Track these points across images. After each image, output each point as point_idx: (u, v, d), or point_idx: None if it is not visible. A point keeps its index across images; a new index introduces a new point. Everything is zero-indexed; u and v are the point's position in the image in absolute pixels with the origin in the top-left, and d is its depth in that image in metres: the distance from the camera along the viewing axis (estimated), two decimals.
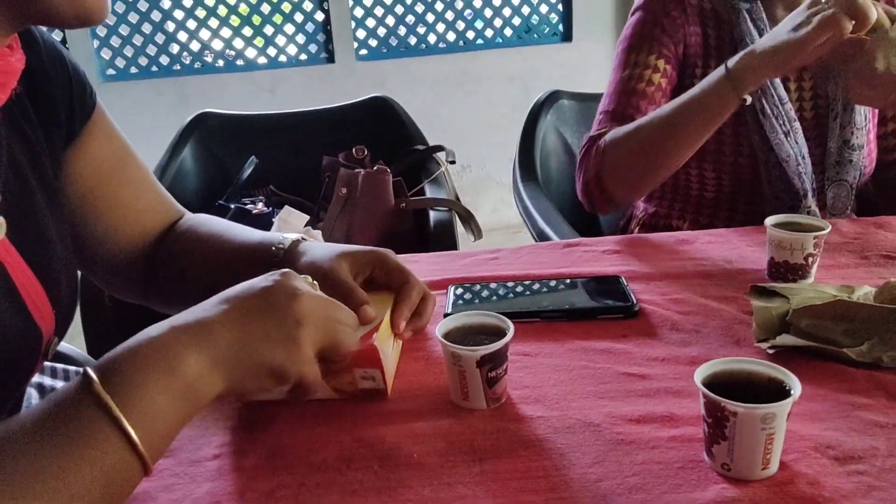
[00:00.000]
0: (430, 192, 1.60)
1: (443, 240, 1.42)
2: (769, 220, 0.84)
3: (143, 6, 3.10)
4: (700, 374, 0.53)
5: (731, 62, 0.96)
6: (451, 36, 3.46)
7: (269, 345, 0.52)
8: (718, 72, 0.98)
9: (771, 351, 0.67)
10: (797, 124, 1.08)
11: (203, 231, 0.81)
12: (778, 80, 1.10)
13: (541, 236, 1.27)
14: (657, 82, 1.12)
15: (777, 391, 0.52)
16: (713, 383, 0.53)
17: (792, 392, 0.51)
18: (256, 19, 3.25)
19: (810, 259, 0.82)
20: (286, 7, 3.24)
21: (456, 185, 3.56)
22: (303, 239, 0.76)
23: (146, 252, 0.80)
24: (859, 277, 0.84)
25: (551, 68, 3.47)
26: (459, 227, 1.64)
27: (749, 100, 0.97)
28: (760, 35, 1.09)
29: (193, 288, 0.75)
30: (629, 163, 1.06)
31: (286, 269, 0.58)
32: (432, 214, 1.49)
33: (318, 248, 0.74)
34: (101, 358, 0.49)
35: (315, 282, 0.62)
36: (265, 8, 3.23)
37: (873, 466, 0.52)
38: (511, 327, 0.63)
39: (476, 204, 3.58)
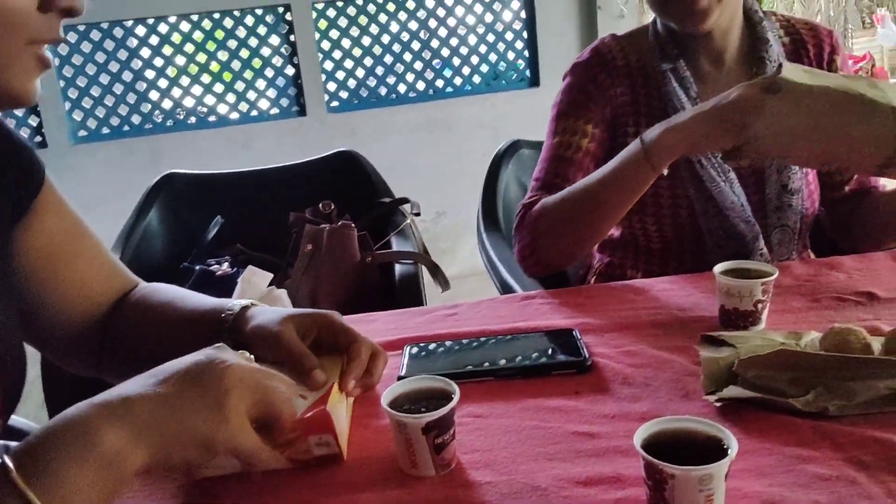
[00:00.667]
0: (396, 244, 1.60)
1: (408, 293, 1.42)
2: (717, 268, 0.85)
3: (114, 67, 3.13)
4: (640, 435, 0.53)
5: (647, 137, 0.97)
6: (420, 85, 3.51)
7: (194, 415, 0.52)
8: (635, 145, 0.98)
9: (718, 404, 0.67)
10: (732, 174, 1.10)
11: (154, 300, 0.81)
12: None
13: (504, 286, 1.28)
14: (585, 147, 1.13)
15: (715, 450, 0.52)
16: (654, 444, 0.53)
17: (729, 451, 0.51)
18: (227, 76, 3.29)
19: (759, 305, 0.82)
20: (256, 63, 3.28)
21: (431, 231, 3.62)
22: (252, 304, 0.76)
23: (98, 325, 0.80)
24: (810, 321, 0.85)
25: (520, 113, 3.52)
26: (428, 278, 1.64)
27: (666, 172, 0.98)
28: (687, 93, 1.11)
29: (145, 359, 0.74)
30: (559, 231, 1.07)
31: (220, 344, 0.59)
32: (398, 268, 1.49)
33: (266, 312, 0.74)
34: (21, 442, 0.49)
35: (252, 356, 0.62)
36: (235, 64, 3.27)
37: None
38: (457, 392, 0.63)
39: (452, 250, 3.60)
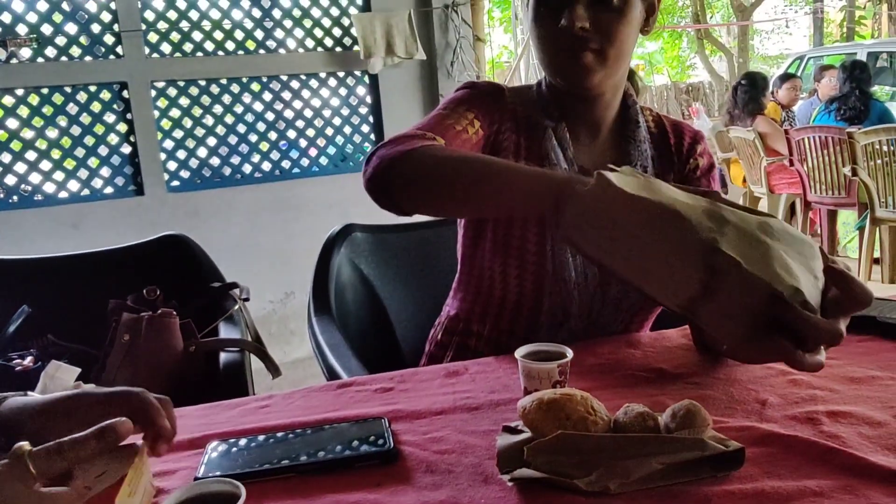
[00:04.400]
0: (223, 331, 1.55)
1: (233, 383, 1.37)
2: (518, 352, 0.88)
3: None
4: None
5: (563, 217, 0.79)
6: (266, 166, 3.49)
7: None
8: (560, 178, 0.84)
9: (510, 483, 0.69)
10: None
11: None
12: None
13: (330, 372, 1.26)
14: (470, 134, 1.13)
15: None
16: None
17: None
18: (56, 153, 3.11)
19: (558, 386, 0.86)
20: (90, 140, 3.14)
21: (280, 312, 3.54)
22: (5, 398, 0.71)
23: None
24: (605, 398, 0.90)
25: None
26: (259, 365, 1.59)
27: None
28: (564, 154, 1.16)
29: None
30: (424, 180, 0.98)
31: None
32: (222, 356, 1.44)
33: (14, 406, 0.70)
34: None
35: (27, 447, 0.58)
36: (66, 142, 3.11)
37: None
38: (243, 494, 0.61)
39: (302, 330, 3.52)
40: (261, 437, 0.83)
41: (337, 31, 3.52)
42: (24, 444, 0.61)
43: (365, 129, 3.65)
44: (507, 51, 14.35)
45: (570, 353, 0.87)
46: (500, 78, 8.57)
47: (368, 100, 3.63)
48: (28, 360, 1.40)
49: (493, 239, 1.16)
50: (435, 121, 1.13)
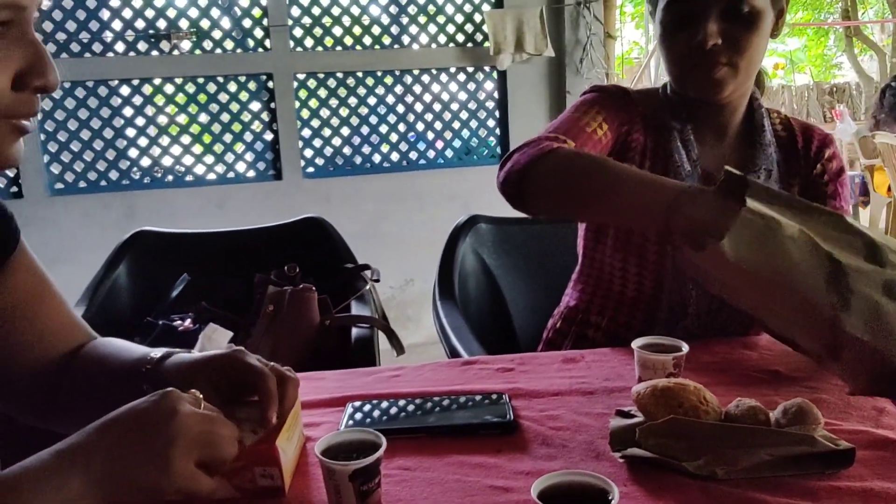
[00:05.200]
0: (355, 309, 1.67)
1: (362, 356, 1.49)
2: (635, 343, 0.93)
3: (95, 123, 3.22)
4: (537, 486, 0.60)
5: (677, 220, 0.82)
6: (394, 156, 3.64)
7: (141, 466, 0.58)
8: (675, 190, 0.85)
9: (621, 460, 0.75)
10: None
11: (96, 354, 0.85)
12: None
13: (452, 352, 1.35)
14: (600, 135, 1.15)
15: (601, 500, 0.59)
16: (549, 493, 0.60)
17: (612, 501, 0.58)
18: (207, 137, 3.39)
19: (671, 377, 0.90)
20: (236, 127, 3.40)
21: (399, 298, 3.69)
22: (171, 353, 0.79)
23: (51, 377, 0.84)
24: (718, 394, 0.93)
25: (490, 187, 3.63)
26: (386, 343, 1.71)
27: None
28: (689, 155, 1.17)
29: (92, 410, 0.79)
30: (554, 188, 1.02)
31: (169, 389, 0.64)
32: (354, 331, 1.56)
33: (178, 363, 0.78)
34: None
35: (200, 395, 0.67)
36: (216, 127, 3.38)
37: None
38: (384, 443, 0.70)
39: (418, 317, 3.66)
40: (394, 401, 0.93)
41: (469, 27, 3.61)
42: (196, 392, 0.70)
43: (491, 123, 3.73)
44: (637, 46, 14.03)
45: (685, 348, 0.91)
46: (629, 74, 8.41)
47: (496, 95, 3.71)
48: (188, 322, 1.58)
49: (615, 235, 1.21)
50: (567, 123, 1.15)
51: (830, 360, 0.72)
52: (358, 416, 0.89)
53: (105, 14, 3.19)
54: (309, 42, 3.43)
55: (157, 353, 0.80)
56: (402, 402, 0.92)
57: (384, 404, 0.92)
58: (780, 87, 12.37)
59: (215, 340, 1.41)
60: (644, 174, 0.94)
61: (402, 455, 0.80)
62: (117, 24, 3.19)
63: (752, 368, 1.01)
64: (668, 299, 1.18)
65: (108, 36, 3.19)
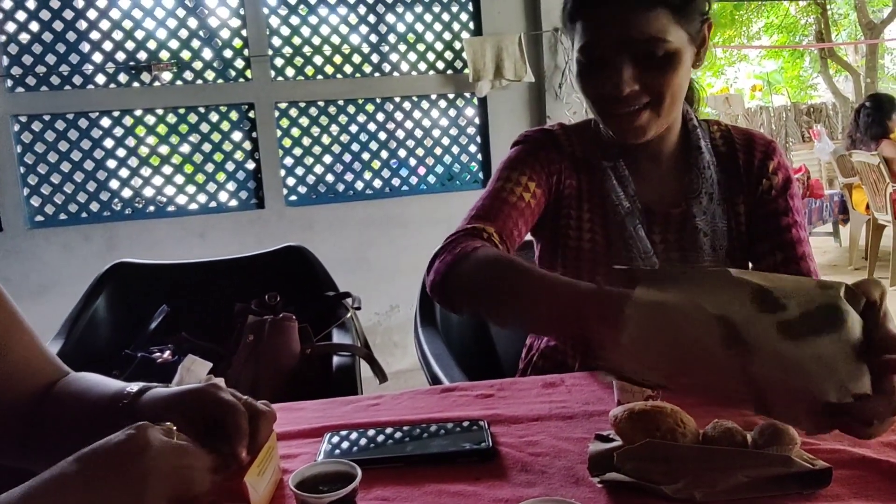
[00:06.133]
0: (336, 337, 1.66)
1: (344, 384, 1.48)
2: None
3: (76, 155, 3.21)
4: None
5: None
6: (377, 183, 3.65)
7: (114, 501, 0.57)
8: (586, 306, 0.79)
9: (600, 485, 0.74)
10: None
11: (70, 390, 0.84)
12: (643, 233, 1.16)
13: (434, 379, 1.34)
14: (527, 200, 1.14)
15: None
16: None
17: None
18: (189, 168, 3.39)
19: (650, 401, 0.90)
20: (218, 157, 3.39)
21: (385, 324, 3.68)
22: (147, 388, 0.78)
23: (23, 415, 0.82)
24: (695, 416, 0.93)
25: None
26: (367, 373, 1.70)
27: None
28: (626, 191, 1.16)
29: (65, 446, 0.78)
30: (470, 295, 1.00)
31: (142, 423, 0.63)
32: (335, 360, 1.55)
33: (153, 398, 0.77)
34: None
35: (174, 427, 0.66)
36: (197, 157, 3.38)
37: None
38: (359, 474, 0.69)
39: (405, 342, 3.65)
40: (372, 431, 0.92)
41: (448, 55, 3.65)
42: (169, 424, 0.69)
43: (472, 149, 3.75)
44: None
45: None
46: None
47: (477, 121, 3.74)
48: (167, 354, 1.56)
49: (562, 264, 1.21)
50: (491, 198, 1.14)
51: (763, 410, 0.70)
52: (335, 446, 0.88)
53: (85, 46, 3.19)
54: (290, 71, 3.45)
55: (133, 387, 0.79)
56: (379, 431, 0.91)
57: (361, 434, 0.91)
58: (759, 109, 12.57)
59: (194, 372, 1.40)
60: (548, 280, 0.86)
61: (380, 485, 0.79)
62: (98, 57, 3.20)
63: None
64: None
65: (89, 69, 3.19)
